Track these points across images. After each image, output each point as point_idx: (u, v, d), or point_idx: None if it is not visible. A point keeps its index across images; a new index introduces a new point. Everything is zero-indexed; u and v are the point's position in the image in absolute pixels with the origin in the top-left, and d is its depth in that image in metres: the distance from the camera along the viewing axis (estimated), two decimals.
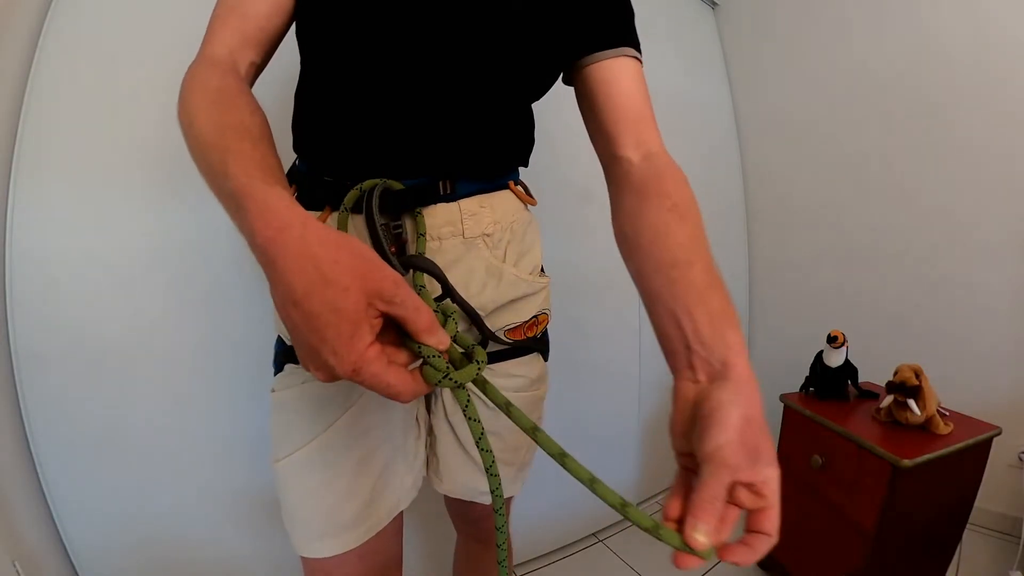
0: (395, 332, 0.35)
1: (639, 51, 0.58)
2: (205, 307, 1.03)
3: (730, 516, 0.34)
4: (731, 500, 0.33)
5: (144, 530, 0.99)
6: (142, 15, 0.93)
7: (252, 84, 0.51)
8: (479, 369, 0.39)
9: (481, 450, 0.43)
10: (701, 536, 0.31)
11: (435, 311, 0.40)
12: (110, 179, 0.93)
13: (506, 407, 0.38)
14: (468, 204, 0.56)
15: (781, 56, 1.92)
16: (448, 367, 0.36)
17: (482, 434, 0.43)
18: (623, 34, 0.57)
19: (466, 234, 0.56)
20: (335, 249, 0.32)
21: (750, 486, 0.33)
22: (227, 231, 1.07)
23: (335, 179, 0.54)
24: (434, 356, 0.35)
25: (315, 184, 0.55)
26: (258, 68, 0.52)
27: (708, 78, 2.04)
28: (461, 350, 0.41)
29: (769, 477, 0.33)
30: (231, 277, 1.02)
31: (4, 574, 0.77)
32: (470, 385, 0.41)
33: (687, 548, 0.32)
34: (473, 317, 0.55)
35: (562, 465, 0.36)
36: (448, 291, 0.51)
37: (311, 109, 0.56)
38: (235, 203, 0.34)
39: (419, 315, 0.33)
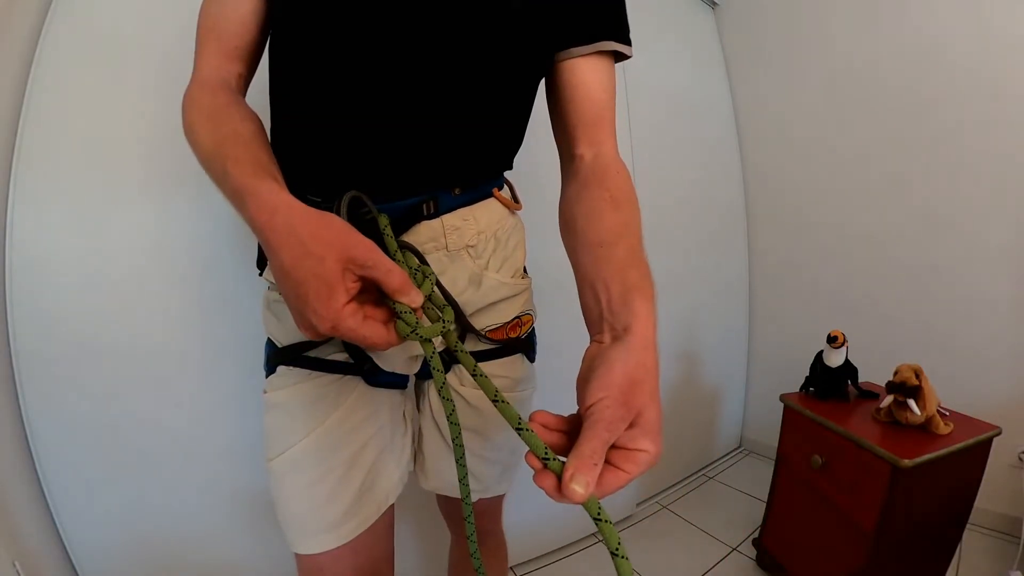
0: (377, 292, 0.39)
1: (624, 38, 0.55)
2: (205, 306, 1.03)
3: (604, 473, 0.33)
4: (607, 459, 0.33)
5: (144, 530, 0.99)
6: (141, 15, 0.94)
7: (245, 92, 0.54)
8: (444, 327, 0.42)
9: (451, 423, 0.48)
10: (580, 488, 0.31)
11: (414, 270, 0.45)
12: (110, 179, 0.94)
13: (494, 397, 0.38)
14: (451, 219, 0.56)
15: (781, 56, 1.92)
16: (417, 323, 0.39)
17: (453, 410, 0.47)
18: (602, 24, 0.54)
19: (449, 247, 0.57)
20: (315, 225, 0.37)
21: (625, 450, 0.33)
22: (226, 230, 1.07)
23: (323, 200, 0.52)
24: (406, 312, 0.39)
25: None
26: (246, 78, 0.55)
27: (708, 78, 2.04)
28: (435, 307, 0.44)
29: (645, 449, 0.33)
30: (231, 276, 1.02)
31: (4, 574, 0.77)
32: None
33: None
34: (455, 308, 0.55)
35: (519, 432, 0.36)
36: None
37: (288, 128, 0.55)
38: (237, 199, 0.40)
39: (390, 277, 0.38)
